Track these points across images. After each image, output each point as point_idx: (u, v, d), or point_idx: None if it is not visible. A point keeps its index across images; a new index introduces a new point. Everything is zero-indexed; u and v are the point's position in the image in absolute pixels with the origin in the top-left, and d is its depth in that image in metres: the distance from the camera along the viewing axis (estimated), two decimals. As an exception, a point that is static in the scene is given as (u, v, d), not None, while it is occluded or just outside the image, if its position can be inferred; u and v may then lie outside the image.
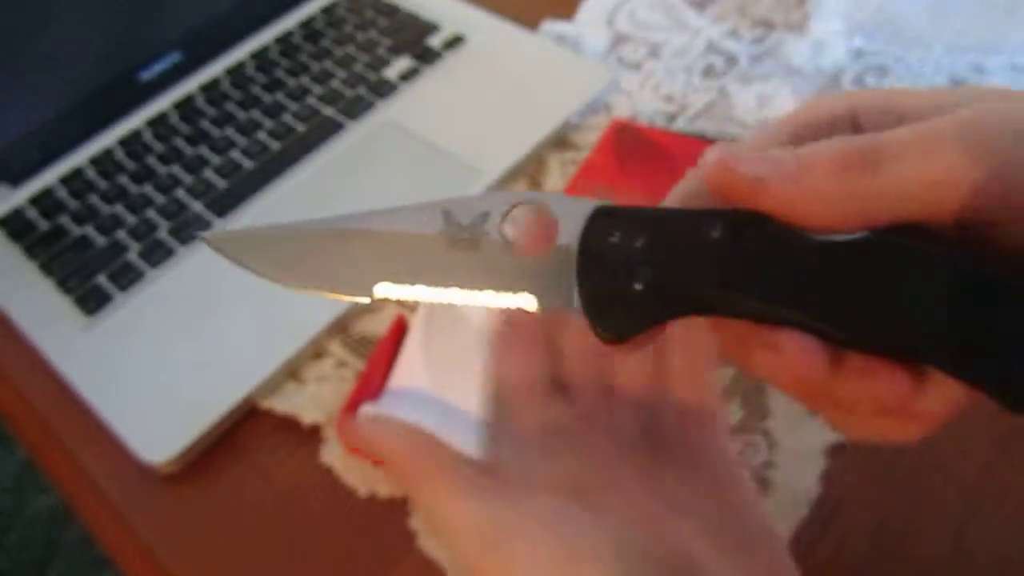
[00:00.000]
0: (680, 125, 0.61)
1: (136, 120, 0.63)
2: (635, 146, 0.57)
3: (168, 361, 0.50)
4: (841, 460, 0.43)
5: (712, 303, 0.23)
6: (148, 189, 0.59)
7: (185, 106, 0.64)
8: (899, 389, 0.22)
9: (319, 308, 0.51)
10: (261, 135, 0.61)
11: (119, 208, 0.58)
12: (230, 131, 0.62)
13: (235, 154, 0.60)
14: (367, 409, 0.45)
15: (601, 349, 0.24)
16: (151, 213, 0.57)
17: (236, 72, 0.66)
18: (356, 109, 0.62)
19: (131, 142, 0.62)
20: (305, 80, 0.65)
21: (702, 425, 0.34)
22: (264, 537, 0.44)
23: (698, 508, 0.31)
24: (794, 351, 0.22)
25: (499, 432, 0.34)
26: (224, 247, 0.28)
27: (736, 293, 0.23)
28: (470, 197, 0.26)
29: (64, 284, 0.54)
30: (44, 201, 0.59)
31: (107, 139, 0.62)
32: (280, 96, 0.64)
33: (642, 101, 0.63)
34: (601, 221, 0.25)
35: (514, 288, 0.25)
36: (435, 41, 0.67)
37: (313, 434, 0.47)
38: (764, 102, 0.61)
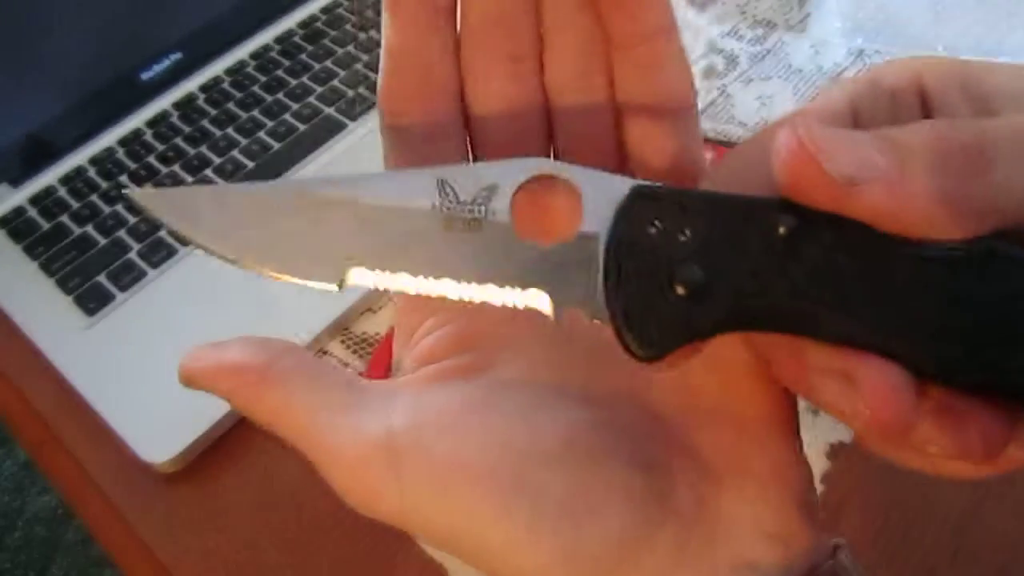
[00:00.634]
0: (681, 125, 0.61)
1: (137, 120, 0.63)
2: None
3: (169, 361, 0.49)
4: (842, 461, 0.43)
5: (776, 316, 0.19)
6: (149, 189, 0.59)
7: (186, 106, 0.64)
8: (994, 437, 0.18)
9: (320, 308, 0.51)
10: (262, 135, 0.61)
11: (120, 207, 0.58)
12: (231, 131, 0.62)
13: (236, 154, 0.60)
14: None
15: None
16: (152, 213, 0.57)
17: (236, 72, 0.66)
18: (357, 109, 0.62)
19: (132, 142, 0.62)
20: (306, 80, 0.65)
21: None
22: (264, 537, 0.44)
23: None
24: (875, 385, 0.18)
25: None
26: (154, 206, 0.22)
27: (808, 306, 0.18)
28: (474, 165, 0.21)
29: (65, 284, 0.54)
30: (45, 201, 0.59)
31: (108, 139, 0.62)
32: (281, 96, 0.64)
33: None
34: (639, 205, 0.20)
35: (523, 283, 0.20)
36: (436, 41, 0.67)
37: (314, 434, 0.47)
38: (765, 102, 0.61)
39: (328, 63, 0.66)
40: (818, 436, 0.44)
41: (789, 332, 0.19)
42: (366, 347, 0.50)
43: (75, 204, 0.59)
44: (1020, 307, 0.17)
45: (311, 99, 0.63)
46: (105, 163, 0.61)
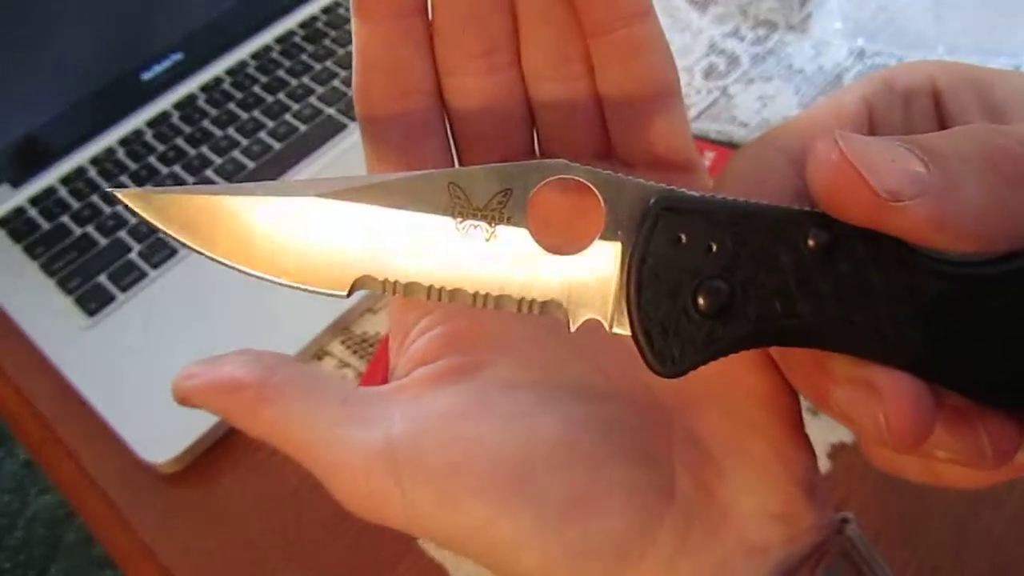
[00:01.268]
0: (681, 126, 0.61)
1: (137, 120, 0.63)
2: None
3: (169, 361, 0.49)
4: (842, 461, 0.43)
5: (801, 333, 0.19)
6: (149, 189, 0.59)
7: (186, 106, 0.64)
8: (1005, 442, 0.18)
9: (320, 308, 0.51)
10: (262, 135, 0.61)
11: (120, 208, 0.58)
12: (231, 131, 0.62)
13: (236, 154, 0.60)
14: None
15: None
16: (152, 213, 0.57)
17: (237, 72, 0.66)
18: (357, 109, 0.62)
19: (132, 142, 0.62)
20: (306, 80, 0.65)
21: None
22: (264, 537, 0.44)
23: None
24: (898, 394, 0.18)
25: None
26: (143, 206, 0.21)
27: (836, 322, 0.18)
28: (489, 168, 0.20)
29: (65, 284, 0.54)
30: (45, 201, 0.59)
31: (108, 139, 0.62)
32: (281, 96, 0.64)
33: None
34: (665, 216, 0.19)
35: (540, 292, 0.20)
36: (436, 41, 0.67)
37: (314, 434, 0.47)
38: (766, 102, 0.61)
39: (329, 63, 0.66)
40: (818, 436, 0.44)
41: (813, 347, 0.19)
42: (366, 347, 0.50)
43: (76, 204, 0.59)
44: None
45: (312, 99, 0.63)
46: (105, 163, 0.61)
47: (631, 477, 0.22)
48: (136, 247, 0.55)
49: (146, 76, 0.65)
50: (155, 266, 0.54)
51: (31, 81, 0.60)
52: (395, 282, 0.20)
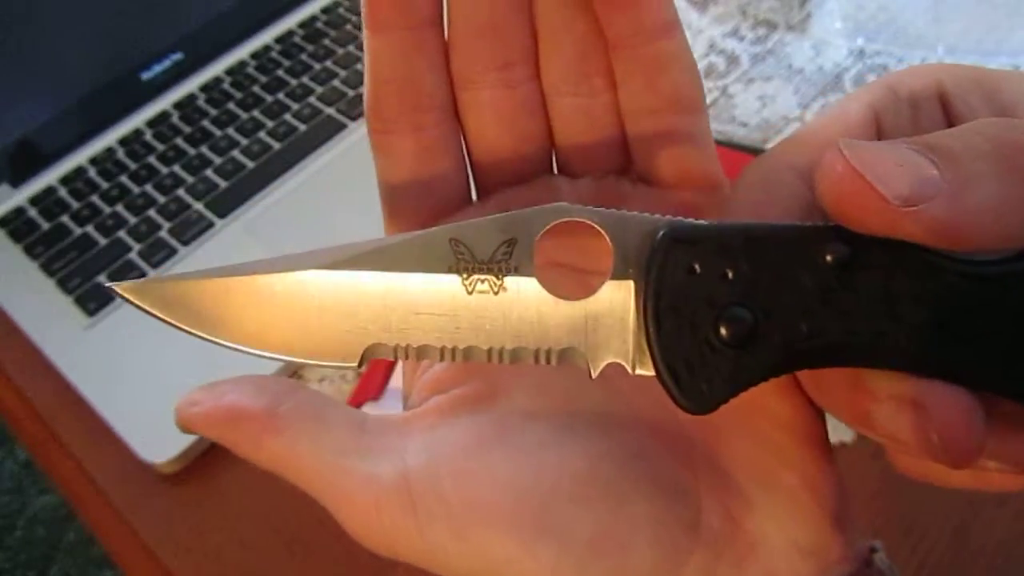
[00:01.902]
0: (681, 125, 0.61)
1: (137, 120, 0.63)
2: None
3: (169, 361, 0.50)
4: (843, 461, 0.43)
5: (832, 353, 0.18)
6: (149, 189, 0.59)
7: (186, 106, 0.64)
8: None
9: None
10: (262, 135, 0.61)
11: (120, 208, 0.58)
12: (231, 131, 0.62)
13: (236, 154, 0.60)
14: (368, 409, 0.45)
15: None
16: (152, 213, 0.57)
17: (237, 72, 0.66)
18: (357, 109, 0.62)
19: (132, 142, 0.62)
20: (306, 80, 0.65)
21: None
22: (264, 537, 0.44)
23: None
24: (947, 410, 0.17)
25: None
26: (143, 299, 0.21)
27: (866, 337, 0.17)
28: (488, 219, 0.20)
29: (65, 284, 0.54)
30: (45, 201, 0.59)
31: (108, 139, 0.62)
32: (281, 96, 0.64)
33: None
34: (675, 248, 0.18)
35: (556, 341, 0.19)
36: (436, 41, 0.67)
37: (314, 434, 0.47)
38: (766, 102, 0.61)
39: (328, 63, 0.66)
40: (819, 436, 0.44)
41: (847, 366, 0.18)
42: (366, 347, 0.50)
43: (75, 204, 0.59)
44: None
45: (311, 99, 0.63)
46: (105, 163, 0.61)
47: (656, 511, 0.21)
48: (136, 247, 0.55)
49: (146, 76, 0.65)
50: (155, 266, 0.54)
51: (31, 81, 0.60)
52: (407, 347, 0.20)
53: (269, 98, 0.64)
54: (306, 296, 0.20)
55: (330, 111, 0.62)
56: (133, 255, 0.55)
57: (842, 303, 0.17)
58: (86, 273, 0.54)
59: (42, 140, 0.61)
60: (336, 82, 0.64)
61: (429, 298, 0.19)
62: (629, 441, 0.22)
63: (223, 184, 0.58)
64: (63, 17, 0.59)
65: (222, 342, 0.21)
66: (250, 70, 0.66)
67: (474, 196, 0.25)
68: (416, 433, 0.22)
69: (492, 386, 0.23)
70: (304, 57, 0.67)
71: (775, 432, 0.22)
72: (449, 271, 0.19)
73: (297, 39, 0.68)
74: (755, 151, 0.57)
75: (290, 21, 0.70)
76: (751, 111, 0.61)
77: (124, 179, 0.60)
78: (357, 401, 0.46)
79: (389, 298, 0.20)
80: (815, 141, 0.21)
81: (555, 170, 0.24)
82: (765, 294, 0.18)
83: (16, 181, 0.61)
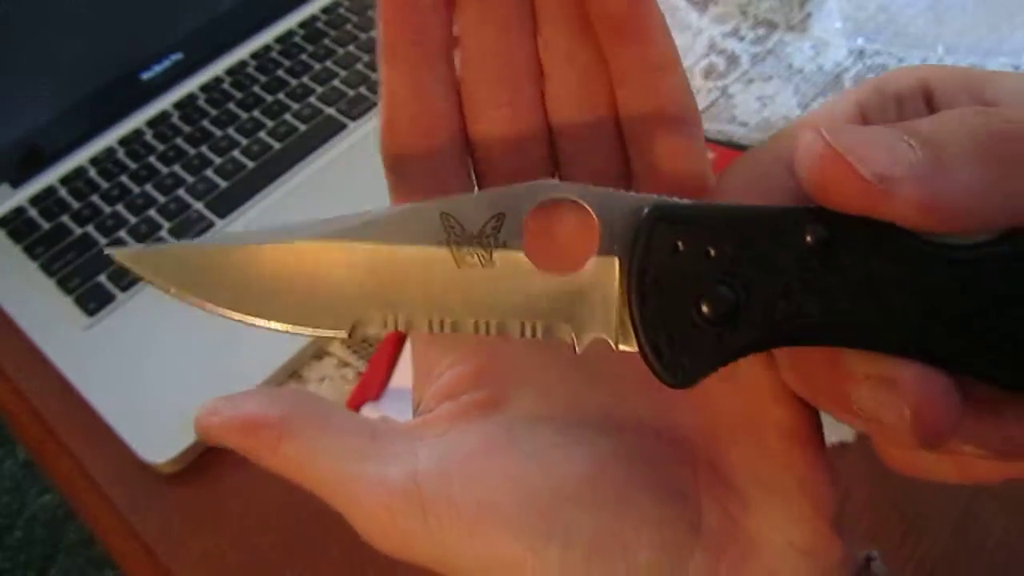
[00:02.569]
0: (681, 125, 0.61)
1: (137, 120, 0.63)
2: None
3: (169, 361, 0.50)
4: (842, 460, 0.43)
5: (811, 331, 0.18)
6: (149, 189, 0.59)
7: (186, 106, 0.64)
8: None
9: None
10: (262, 135, 0.61)
11: (120, 208, 0.58)
12: (231, 131, 0.62)
13: (236, 154, 0.60)
14: (368, 410, 0.45)
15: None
16: (152, 213, 0.57)
17: (237, 72, 0.66)
18: (357, 109, 0.62)
19: (132, 142, 0.62)
20: (306, 80, 0.65)
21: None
22: (264, 537, 0.44)
23: None
24: (921, 388, 0.17)
25: None
26: (139, 266, 0.21)
27: (845, 317, 0.18)
28: (479, 194, 0.21)
29: (65, 284, 0.54)
30: (45, 201, 0.59)
31: (108, 139, 0.62)
32: (281, 96, 0.64)
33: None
34: (660, 226, 0.19)
35: (542, 315, 0.20)
36: (436, 41, 0.67)
37: (314, 434, 0.47)
38: (766, 102, 0.61)
39: (328, 63, 0.66)
40: (819, 436, 0.44)
41: (826, 344, 0.19)
42: (366, 347, 0.50)
43: (75, 204, 0.59)
44: None
45: (311, 99, 0.63)
46: (105, 163, 0.61)
47: (659, 512, 0.22)
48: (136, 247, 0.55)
49: (146, 76, 0.65)
50: (155, 266, 0.54)
51: (31, 81, 0.60)
52: (395, 318, 0.20)
53: (269, 98, 0.64)
54: (298, 266, 0.20)
55: (330, 111, 0.62)
56: (133, 255, 0.55)
57: (822, 283, 0.18)
58: (86, 273, 0.54)
59: (42, 140, 0.61)
60: (336, 82, 0.64)
61: (418, 270, 0.20)
62: (632, 443, 0.23)
63: (223, 184, 0.58)
64: (63, 17, 0.59)
65: (214, 309, 0.21)
66: (250, 70, 0.66)
67: None
68: (427, 438, 0.23)
69: (501, 392, 0.24)
70: (304, 57, 0.67)
71: (773, 437, 0.22)
72: (439, 244, 0.20)
73: (297, 39, 0.68)
74: (755, 151, 0.57)
75: (290, 21, 0.70)
76: (751, 111, 0.61)
77: (124, 179, 0.60)
78: (357, 401, 0.46)
79: (379, 270, 0.20)
80: None
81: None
82: (747, 273, 0.18)
83: (16, 181, 0.61)
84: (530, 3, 0.23)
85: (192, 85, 0.65)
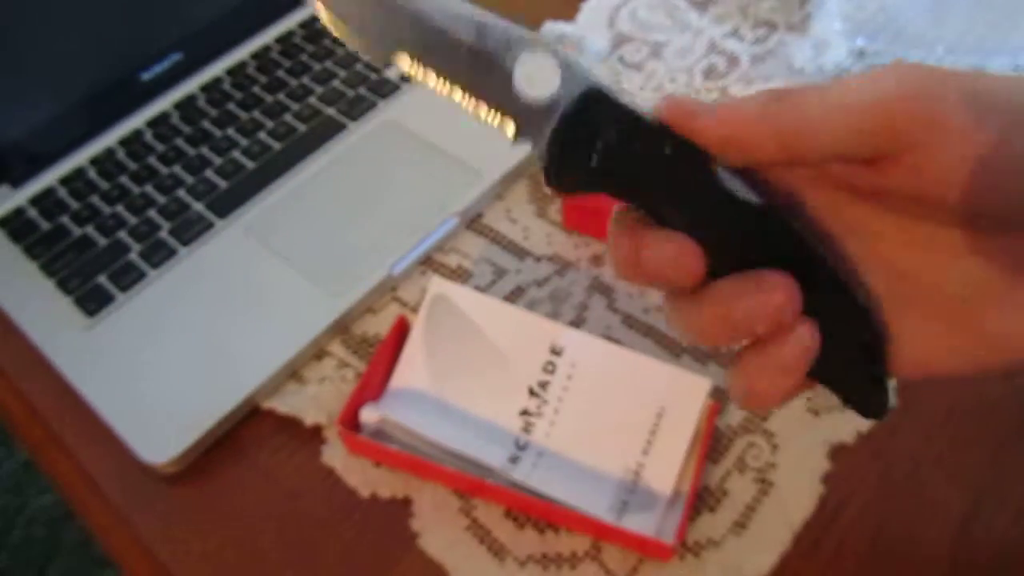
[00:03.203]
0: (681, 126, 0.60)
1: (137, 120, 0.63)
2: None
3: (169, 361, 0.50)
4: (843, 461, 0.43)
5: (640, 196, 0.27)
6: (149, 189, 0.59)
7: (186, 106, 0.64)
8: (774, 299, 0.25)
9: (320, 308, 0.51)
10: (262, 135, 0.61)
11: (120, 208, 0.58)
12: (231, 131, 0.62)
13: (236, 154, 0.60)
14: (368, 410, 0.45)
15: None
16: (152, 213, 0.57)
17: (237, 72, 0.66)
18: (357, 109, 0.62)
19: (132, 142, 0.62)
20: (306, 80, 0.65)
21: None
22: (264, 538, 0.44)
23: None
24: (678, 249, 0.26)
25: None
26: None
27: (659, 194, 0.27)
28: (503, 27, 0.28)
29: (65, 284, 0.54)
30: (45, 201, 0.59)
31: (108, 139, 0.62)
32: (281, 96, 0.64)
33: (644, 101, 0.63)
34: (589, 101, 0.27)
35: (507, 111, 0.28)
36: (436, 41, 0.67)
37: (314, 435, 0.47)
38: (765, 103, 0.61)
39: (328, 63, 0.66)
40: (818, 436, 0.44)
41: (639, 206, 0.27)
42: (366, 347, 0.50)
43: (75, 205, 0.59)
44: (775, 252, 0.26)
45: (311, 99, 0.63)
46: (105, 163, 0.61)
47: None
48: (136, 247, 0.55)
49: (146, 76, 0.65)
50: (155, 266, 0.54)
51: (31, 81, 0.60)
52: (420, 67, 0.30)
53: (269, 98, 0.64)
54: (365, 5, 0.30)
55: (330, 111, 0.62)
56: (133, 255, 0.55)
57: (656, 175, 0.26)
58: (86, 273, 0.54)
59: (42, 140, 0.61)
60: (336, 82, 0.64)
61: (449, 49, 0.29)
62: None
63: (223, 184, 0.58)
64: (63, 17, 0.59)
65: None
66: (250, 70, 0.66)
67: None
68: None
69: None
70: (304, 57, 0.67)
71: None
72: (469, 41, 0.28)
73: (297, 39, 0.68)
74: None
75: (290, 21, 0.70)
76: (751, 111, 0.61)
77: (124, 179, 0.60)
78: (357, 401, 0.46)
79: (423, 32, 0.29)
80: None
81: None
82: (619, 153, 0.27)
83: (16, 181, 0.61)
84: None
85: (192, 85, 0.65)
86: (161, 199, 0.58)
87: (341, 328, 0.51)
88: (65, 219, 0.58)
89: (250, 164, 0.59)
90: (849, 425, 0.44)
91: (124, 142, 0.62)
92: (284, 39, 0.68)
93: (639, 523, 0.41)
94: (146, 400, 0.48)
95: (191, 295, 0.53)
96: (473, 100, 0.29)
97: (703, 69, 0.64)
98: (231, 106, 0.63)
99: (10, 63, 0.58)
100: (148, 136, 0.62)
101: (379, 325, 0.51)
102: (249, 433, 0.48)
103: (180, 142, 0.62)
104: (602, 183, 0.27)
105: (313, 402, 0.48)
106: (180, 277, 0.54)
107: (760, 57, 0.65)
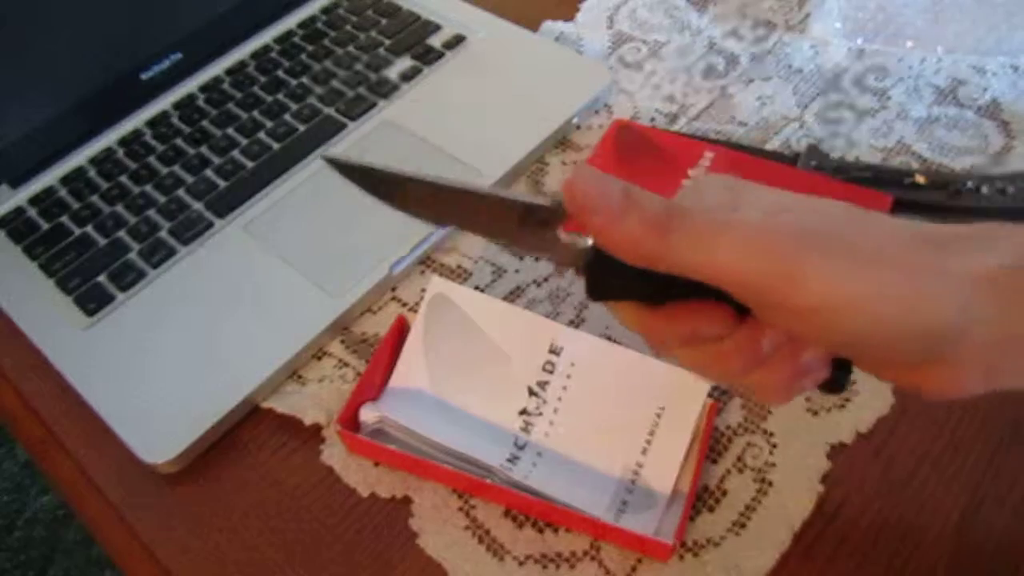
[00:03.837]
0: (681, 125, 0.61)
1: (137, 120, 0.63)
2: (636, 146, 0.57)
3: (169, 361, 0.50)
4: (842, 460, 0.43)
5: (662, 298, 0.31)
6: (149, 189, 0.59)
7: (186, 106, 0.64)
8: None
9: (320, 308, 0.51)
10: (262, 135, 0.61)
11: (120, 208, 0.58)
12: (231, 131, 0.62)
13: (236, 154, 0.60)
14: (368, 410, 0.45)
15: None
16: (152, 213, 0.57)
17: (236, 72, 0.66)
18: (357, 109, 0.62)
19: (132, 142, 0.62)
20: (306, 80, 0.65)
21: None
22: (264, 537, 0.44)
23: None
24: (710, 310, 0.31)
25: None
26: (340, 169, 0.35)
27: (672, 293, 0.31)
28: (547, 204, 0.32)
29: (65, 284, 0.54)
30: (45, 201, 0.59)
31: (108, 139, 0.62)
32: (281, 96, 0.64)
33: (643, 101, 0.63)
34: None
35: (550, 260, 0.35)
36: (436, 41, 0.67)
37: (314, 434, 0.47)
38: (765, 102, 0.61)
39: (328, 63, 0.66)
40: (818, 436, 0.44)
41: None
42: (366, 347, 0.50)
43: (75, 204, 0.59)
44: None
45: (311, 99, 0.63)
46: (105, 163, 0.61)
47: None
48: (136, 247, 0.55)
49: (146, 76, 0.65)
50: (155, 266, 0.54)
51: (31, 81, 0.60)
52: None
53: (269, 98, 0.64)
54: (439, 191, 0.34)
55: (330, 111, 0.62)
56: (133, 255, 0.55)
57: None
58: (86, 273, 0.54)
59: (42, 140, 0.61)
60: (336, 82, 0.64)
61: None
62: None
63: (223, 184, 0.58)
64: (63, 17, 0.59)
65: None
66: (250, 70, 0.66)
67: None
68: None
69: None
70: (304, 57, 0.67)
71: None
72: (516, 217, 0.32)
73: (297, 39, 0.68)
74: (754, 151, 0.57)
75: (290, 21, 0.70)
76: (750, 111, 0.61)
77: (124, 179, 0.60)
78: (357, 402, 0.46)
79: (476, 211, 0.33)
80: None
81: None
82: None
83: (16, 181, 0.61)
84: None
85: (192, 85, 0.65)
86: (161, 199, 0.58)
87: (341, 328, 0.51)
88: (65, 219, 0.58)
89: (250, 164, 0.59)
90: (848, 425, 0.44)
91: (124, 142, 0.62)
92: (284, 39, 0.68)
93: (638, 523, 0.41)
94: (146, 400, 0.48)
95: (191, 295, 0.53)
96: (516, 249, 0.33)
97: (702, 69, 0.64)
98: (231, 106, 0.63)
99: (10, 63, 0.58)
100: (148, 136, 0.62)
101: (379, 325, 0.51)
102: (249, 433, 0.48)
103: (180, 142, 0.62)
104: (633, 295, 0.32)
105: (313, 402, 0.48)
106: (180, 277, 0.54)
107: (759, 57, 0.65)
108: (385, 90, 0.63)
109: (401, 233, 0.54)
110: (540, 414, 0.45)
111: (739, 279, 0.28)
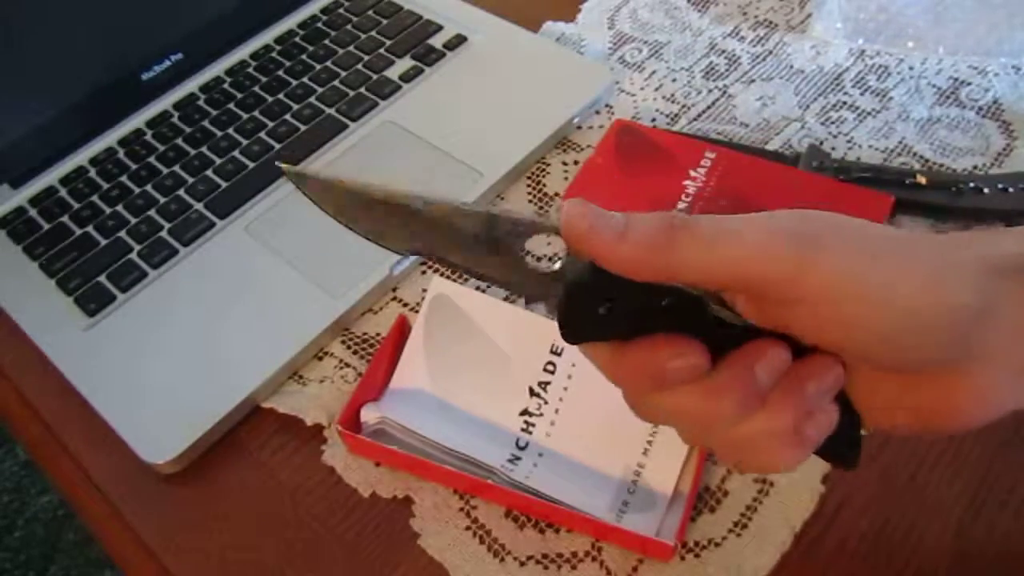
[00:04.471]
0: (682, 125, 0.61)
1: (137, 120, 0.63)
2: (637, 146, 0.57)
3: (170, 361, 0.50)
4: (843, 461, 0.43)
5: (641, 334, 0.29)
6: (149, 189, 0.59)
7: (186, 106, 0.64)
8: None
9: (320, 308, 0.51)
10: (262, 135, 0.61)
11: (120, 208, 0.58)
12: (231, 131, 0.62)
13: (236, 154, 0.60)
14: (368, 410, 0.45)
15: None
16: (152, 213, 0.57)
17: (237, 73, 0.66)
18: (357, 109, 0.62)
19: (132, 142, 0.62)
20: (306, 80, 0.65)
21: None
22: (265, 538, 0.44)
23: None
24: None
25: None
26: (299, 182, 0.33)
27: (659, 331, 0.29)
28: (511, 216, 0.29)
29: (65, 284, 0.54)
30: (45, 201, 0.59)
31: (108, 139, 0.62)
32: (281, 96, 0.64)
33: (644, 102, 0.63)
34: (592, 270, 0.28)
35: (511, 287, 0.30)
36: (437, 41, 0.67)
37: (315, 435, 0.47)
38: (766, 103, 0.61)
39: (328, 63, 0.66)
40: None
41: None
42: (366, 347, 0.50)
43: (75, 204, 0.59)
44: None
45: (312, 99, 0.63)
46: (105, 163, 0.61)
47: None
48: (136, 247, 0.55)
49: (146, 76, 0.65)
50: (155, 266, 0.54)
51: (31, 81, 0.60)
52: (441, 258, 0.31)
53: (269, 98, 0.64)
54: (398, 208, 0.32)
55: (330, 111, 0.62)
56: (133, 255, 0.55)
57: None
58: (86, 273, 0.54)
59: (42, 140, 0.61)
60: (336, 82, 0.64)
61: (462, 240, 0.29)
62: None
63: (223, 184, 0.58)
64: (63, 17, 0.59)
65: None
66: (250, 70, 0.66)
67: None
68: None
69: None
70: (304, 57, 0.67)
71: None
72: (479, 231, 0.29)
73: (297, 39, 0.68)
74: (755, 151, 0.57)
75: (290, 21, 0.70)
76: (751, 111, 0.61)
77: (124, 179, 0.60)
78: (357, 401, 0.46)
79: (439, 230, 0.30)
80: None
81: None
82: (625, 315, 0.29)
83: (16, 181, 0.61)
84: None
85: (192, 85, 0.65)
86: (161, 199, 0.58)
87: (342, 328, 0.51)
88: (65, 219, 0.58)
89: (250, 164, 0.59)
90: (849, 425, 0.44)
91: (124, 142, 0.62)
92: (284, 39, 0.68)
93: (639, 523, 0.41)
94: (146, 400, 0.48)
95: (191, 295, 0.53)
96: (481, 280, 0.30)
97: (703, 69, 0.64)
98: (231, 106, 0.63)
99: (11, 63, 0.58)
100: (148, 136, 0.62)
101: (379, 325, 0.51)
102: (249, 433, 0.48)
103: (180, 142, 0.62)
104: (610, 334, 0.29)
105: (313, 402, 0.48)
106: (180, 277, 0.54)
107: (760, 57, 0.65)
108: (386, 90, 0.63)
109: (402, 233, 0.54)
110: (541, 415, 0.45)
111: (756, 271, 0.26)
